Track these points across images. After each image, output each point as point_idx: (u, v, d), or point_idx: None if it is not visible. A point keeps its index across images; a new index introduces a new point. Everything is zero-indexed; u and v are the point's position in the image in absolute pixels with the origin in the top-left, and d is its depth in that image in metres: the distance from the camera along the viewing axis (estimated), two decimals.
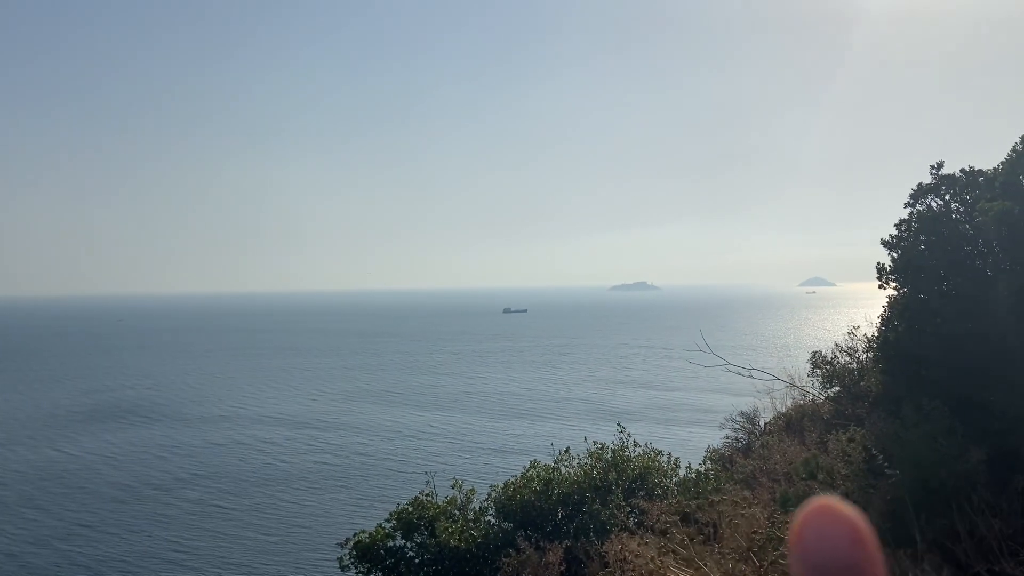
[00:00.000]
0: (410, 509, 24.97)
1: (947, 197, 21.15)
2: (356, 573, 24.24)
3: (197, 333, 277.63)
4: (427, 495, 25.74)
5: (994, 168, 20.65)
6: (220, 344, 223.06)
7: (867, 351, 26.75)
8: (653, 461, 27.00)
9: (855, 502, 14.72)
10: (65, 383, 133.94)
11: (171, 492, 63.21)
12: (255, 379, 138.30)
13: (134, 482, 66.63)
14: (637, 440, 28.12)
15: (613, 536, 19.04)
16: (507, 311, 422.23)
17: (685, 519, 18.83)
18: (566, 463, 26.84)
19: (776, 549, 11.76)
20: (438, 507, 25.12)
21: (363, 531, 24.89)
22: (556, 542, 21.30)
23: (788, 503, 20.37)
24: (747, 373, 29.83)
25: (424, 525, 24.52)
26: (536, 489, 24.85)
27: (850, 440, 20.74)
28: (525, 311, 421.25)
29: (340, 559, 24.52)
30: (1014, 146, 20.15)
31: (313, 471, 69.52)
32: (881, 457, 19.32)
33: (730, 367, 29.65)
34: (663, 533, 17.32)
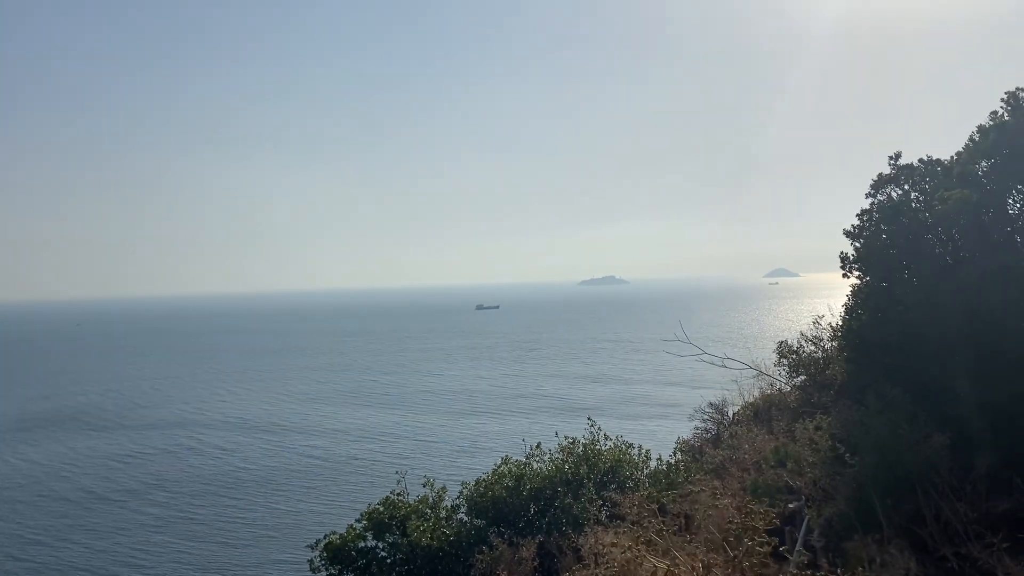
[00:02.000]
0: (381, 509, 24.73)
1: (906, 187, 21.51)
2: (327, 575, 23.93)
3: (158, 336, 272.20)
4: (398, 494, 25.50)
5: (951, 157, 21.08)
6: (181, 347, 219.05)
7: (832, 340, 27.15)
8: (624, 454, 27.07)
9: (822, 489, 14.84)
10: (16, 390, 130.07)
11: (130, 501, 61.65)
12: (217, 382, 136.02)
13: (91, 492, 64.78)
14: (608, 433, 28.19)
15: (587, 529, 19.02)
16: (480, 308, 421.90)
17: (658, 510, 18.89)
18: (537, 458, 26.78)
19: (749, 538, 11.80)
20: (409, 506, 24.91)
21: (334, 532, 24.58)
22: (529, 537, 21.23)
23: (758, 492, 20.57)
24: (720, 363, 30.18)
25: (396, 525, 24.29)
26: (508, 485, 24.76)
27: (817, 428, 21.00)
28: (497, 307, 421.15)
29: (311, 561, 24.19)
30: (971, 135, 20.57)
31: (279, 475, 68.53)
32: (842, 448, 19.55)
33: (704, 357, 30.01)
34: (637, 524, 17.34)
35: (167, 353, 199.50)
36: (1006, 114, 19.86)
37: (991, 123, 20.12)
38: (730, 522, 11.41)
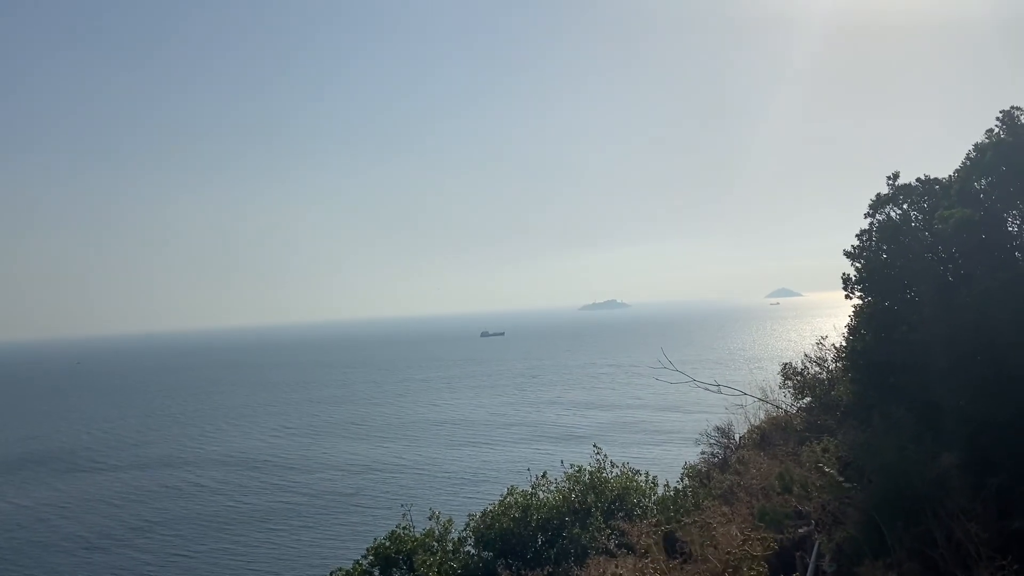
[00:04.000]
0: (387, 543, 24.46)
1: (905, 206, 21.53)
2: None
3: (158, 373, 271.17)
4: (404, 528, 25.22)
5: (949, 176, 21.10)
6: (181, 384, 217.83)
7: (836, 361, 26.99)
8: (631, 481, 26.85)
9: (831, 513, 14.67)
10: (16, 429, 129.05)
11: (128, 542, 60.57)
12: (217, 418, 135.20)
13: (88, 532, 63.74)
14: (614, 460, 27.98)
15: (590, 560, 18.79)
16: (485, 334, 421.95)
17: (666, 538, 18.66)
18: (544, 488, 26.55)
19: (750, 568, 11.62)
20: (416, 540, 24.61)
21: (340, 568, 24.30)
22: (537, 569, 20.97)
23: (766, 518, 20.33)
24: (715, 389, 29.88)
25: (402, 559, 24.01)
26: (515, 516, 24.51)
27: (824, 451, 20.82)
28: (502, 334, 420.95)
29: None
30: (968, 154, 20.61)
31: (280, 511, 67.77)
32: (839, 473, 19.34)
33: (697, 383, 29.66)
34: (644, 554, 17.13)
35: (168, 390, 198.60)
36: (1002, 132, 19.92)
37: (987, 141, 20.18)
38: (729, 552, 11.28)
